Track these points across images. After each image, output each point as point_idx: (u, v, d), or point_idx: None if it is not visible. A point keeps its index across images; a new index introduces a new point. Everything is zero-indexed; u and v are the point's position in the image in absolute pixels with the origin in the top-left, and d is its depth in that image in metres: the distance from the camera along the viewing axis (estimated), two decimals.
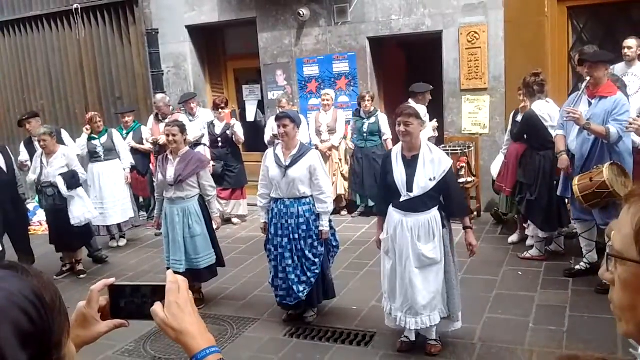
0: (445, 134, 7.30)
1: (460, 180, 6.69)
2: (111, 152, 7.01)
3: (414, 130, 3.74)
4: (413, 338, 3.93)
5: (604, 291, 4.46)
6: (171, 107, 7.85)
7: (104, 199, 6.92)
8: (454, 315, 3.91)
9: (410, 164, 3.78)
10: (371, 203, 7.24)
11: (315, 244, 4.42)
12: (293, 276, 4.39)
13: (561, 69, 6.94)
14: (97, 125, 6.95)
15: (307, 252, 4.40)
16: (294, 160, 4.38)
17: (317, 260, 4.44)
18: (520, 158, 5.56)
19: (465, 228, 3.97)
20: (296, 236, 4.39)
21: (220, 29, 9.10)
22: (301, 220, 4.39)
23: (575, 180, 4.66)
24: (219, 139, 7.45)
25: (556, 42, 6.84)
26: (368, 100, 7.10)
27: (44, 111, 9.68)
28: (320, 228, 4.42)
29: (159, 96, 7.85)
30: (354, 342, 4.23)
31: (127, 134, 7.61)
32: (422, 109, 6.72)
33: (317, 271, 4.44)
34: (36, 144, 6.58)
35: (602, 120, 4.58)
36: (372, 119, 7.13)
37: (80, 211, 6.03)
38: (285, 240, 4.42)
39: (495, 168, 6.26)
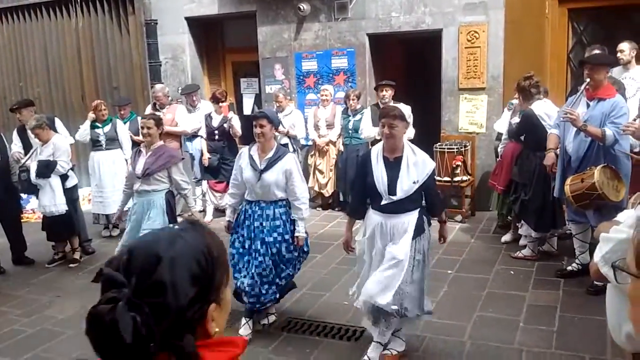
0: (442, 132, 7.31)
1: (456, 179, 6.71)
2: (113, 141, 7.02)
3: (398, 133, 3.63)
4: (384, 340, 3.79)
5: (595, 292, 4.48)
6: (169, 98, 7.83)
7: (104, 187, 6.93)
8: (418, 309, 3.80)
9: (393, 166, 3.65)
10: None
11: (291, 247, 4.22)
12: (266, 285, 4.19)
13: (560, 71, 6.95)
14: (102, 113, 6.96)
15: (282, 255, 4.20)
16: (270, 164, 4.14)
17: (290, 265, 4.28)
18: (517, 158, 5.56)
19: (440, 222, 3.96)
20: (271, 239, 4.16)
21: (219, 22, 9.07)
22: (277, 222, 4.17)
23: (568, 181, 4.68)
24: (216, 131, 7.43)
25: (556, 44, 6.85)
26: (353, 99, 7.13)
27: (40, 99, 9.65)
28: (296, 234, 4.19)
29: (158, 86, 7.82)
30: (344, 337, 4.23)
31: (124, 123, 7.59)
32: (406, 109, 6.75)
33: (289, 276, 4.34)
34: (29, 131, 6.56)
35: (600, 122, 4.58)
36: (357, 117, 7.15)
37: (47, 201, 5.98)
38: (258, 243, 4.17)
39: (498, 125, 6.33)
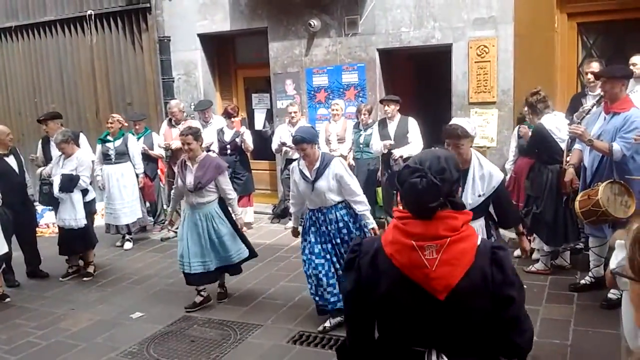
0: None
1: None
2: (123, 155, 7.14)
3: (465, 150, 3.62)
4: None
5: (608, 306, 4.45)
6: (185, 113, 7.93)
7: (113, 200, 7.07)
8: None
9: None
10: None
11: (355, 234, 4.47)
12: (331, 287, 4.45)
13: (570, 85, 6.95)
14: (110, 126, 7.10)
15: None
16: (319, 173, 4.43)
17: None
18: (529, 171, 5.56)
19: (518, 234, 3.97)
20: (338, 241, 4.47)
21: (231, 38, 9.19)
22: (340, 225, 4.46)
23: (578, 197, 4.65)
24: (228, 146, 7.50)
25: (565, 58, 6.86)
26: (364, 114, 7.16)
27: None
28: (370, 227, 4.49)
29: (174, 102, 7.94)
30: None
31: (138, 139, 7.69)
32: (413, 123, 6.78)
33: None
34: (52, 143, 6.67)
35: (612, 137, 4.52)
36: (369, 131, 7.16)
37: (67, 215, 6.10)
38: (329, 246, 4.48)
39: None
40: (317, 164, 4.45)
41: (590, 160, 4.73)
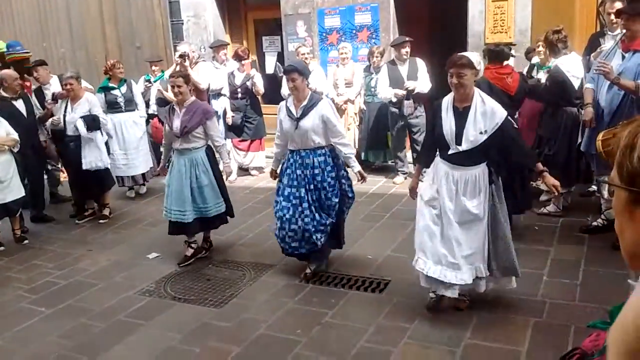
0: None
1: None
2: (131, 102, 6.97)
3: (468, 81, 3.52)
4: (449, 294, 3.76)
5: (619, 247, 4.46)
6: (197, 55, 7.80)
7: (128, 150, 6.89)
8: (502, 270, 3.78)
9: (461, 115, 3.56)
10: (373, 158, 7.41)
11: (329, 194, 4.40)
12: (310, 226, 4.36)
13: (589, 25, 6.75)
14: (119, 71, 6.90)
15: (322, 202, 4.41)
16: (305, 111, 4.34)
17: (331, 211, 4.44)
18: (542, 113, 5.48)
19: (541, 172, 3.66)
20: (311, 187, 4.39)
21: None
22: (316, 171, 4.38)
23: (600, 136, 4.58)
24: (239, 89, 7.43)
25: None
26: (377, 56, 7.03)
27: (65, 59, 9.74)
28: (355, 170, 4.46)
29: (184, 47, 7.80)
30: (368, 288, 4.31)
31: (155, 81, 7.62)
32: (422, 64, 6.63)
33: (332, 220, 4.47)
34: (46, 92, 6.60)
35: (635, 75, 4.42)
36: (379, 74, 7.04)
37: (92, 156, 6.11)
38: (302, 190, 4.40)
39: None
40: (305, 102, 4.36)
41: (608, 99, 4.64)
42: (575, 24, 6.57)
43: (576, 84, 5.12)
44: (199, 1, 8.83)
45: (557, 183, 3.63)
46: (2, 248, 5.72)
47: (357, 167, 4.49)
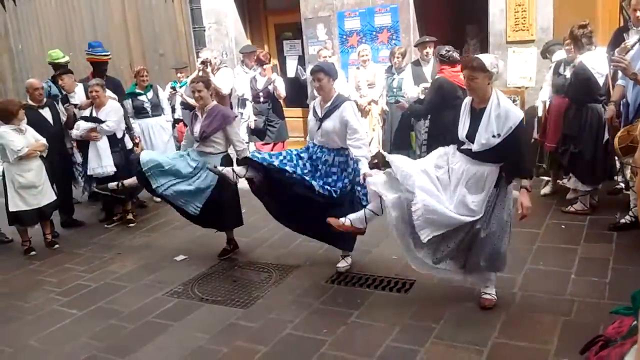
0: None
1: None
2: (157, 107, 7.17)
3: (479, 84, 3.51)
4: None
5: None
6: (219, 61, 7.90)
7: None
8: (492, 266, 3.80)
9: (477, 116, 3.56)
10: None
11: (340, 184, 4.35)
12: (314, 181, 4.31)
13: (612, 21, 6.66)
14: (144, 79, 7.09)
15: (333, 199, 4.32)
16: (328, 112, 4.39)
17: (337, 187, 4.36)
18: (566, 110, 5.43)
19: (521, 187, 3.64)
20: (321, 182, 4.33)
21: None
22: (334, 169, 4.41)
23: (619, 133, 4.54)
24: (261, 93, 7.49)
25: None
26: (398, 57, 7.02)
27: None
28: (362, 172, 4.22)
29: (206, 53, 7.91)
30: (393, 289, 4.31)
31: (180, 87, 7.76)
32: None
33: (338, 189, 4.35)
34: (72, 100, 6.72)
35: None
36: (402, 75, 7.04)
37: (94, 163, 6.16)
38: (314, 178, 4.35)
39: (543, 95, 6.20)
40: (329, 103, 4.41)
41: (633, 96, 4.59)
42: (598, 20, 6.48)
43: (600, 80, 5.08)
44: (220, 8, 8.93)
45: (526, 204, 3.59)
46: (34, 252, 5.86)
47: (364, 169, 4.24)
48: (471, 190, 3.61)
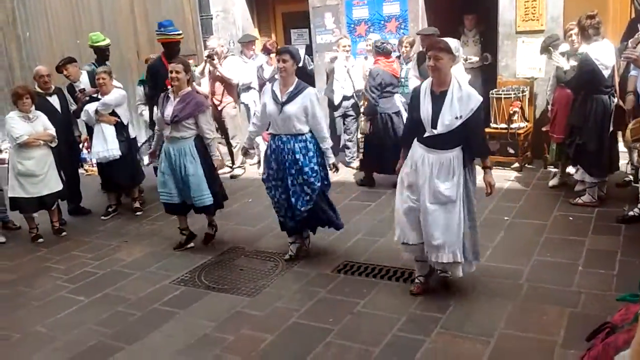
0: (499, 78, 7.10)
1: (513, 126, 6.56)
2: None
3: (444, 66, 3.60)
4: (433, 258, 3.87)
5: None
6: (225, 49, 7.87)
7: None
8: (473, 254, 3.89)
9: (438, 99, 3.65)
10: None
11: (311, 179, 4.50)
12: (293, 199, 4.52)
13: (623, 12, 6.58)
14: None
15: (304, 186, 4.51)
16: (291, 97, 4.42)
17: (314, 189, 4.53)
18: (573, 102, 5.39)
19: (484, 168, 3.84)
20: (293, 171, 4.50)
21: None
22: (297, 156, 4.47)
23: (630, 124, 4.51)
24: (268, 82, 7.45)
25: None
26: (405, 46, 6.97)
27: None
28: (330, 161, 4.64)
29: (213, 42, 7.87)
30: (399, 279, 4.31)
31: None
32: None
33: (315, 193, 4.54)
34: (77, 88, 6.72)
35: None
36: (410, 64, 6.98)
37: (99, 147, 6.18)
38: (284, 173, 4.53)
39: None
40: (291, 88, 4.44)
41: None
42: (609, 11, 6.41)
43: (605, 73, 5.03)
44: None
45: (493, 182, 3.80)
46: (41, 240, 5.89)
47: (331, 159, 4.65)
48: (441, 178, 3.69)
